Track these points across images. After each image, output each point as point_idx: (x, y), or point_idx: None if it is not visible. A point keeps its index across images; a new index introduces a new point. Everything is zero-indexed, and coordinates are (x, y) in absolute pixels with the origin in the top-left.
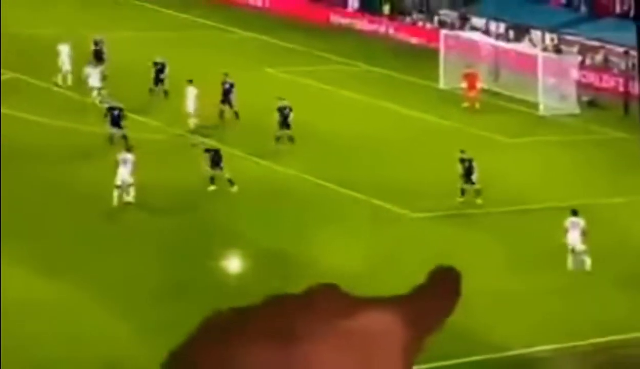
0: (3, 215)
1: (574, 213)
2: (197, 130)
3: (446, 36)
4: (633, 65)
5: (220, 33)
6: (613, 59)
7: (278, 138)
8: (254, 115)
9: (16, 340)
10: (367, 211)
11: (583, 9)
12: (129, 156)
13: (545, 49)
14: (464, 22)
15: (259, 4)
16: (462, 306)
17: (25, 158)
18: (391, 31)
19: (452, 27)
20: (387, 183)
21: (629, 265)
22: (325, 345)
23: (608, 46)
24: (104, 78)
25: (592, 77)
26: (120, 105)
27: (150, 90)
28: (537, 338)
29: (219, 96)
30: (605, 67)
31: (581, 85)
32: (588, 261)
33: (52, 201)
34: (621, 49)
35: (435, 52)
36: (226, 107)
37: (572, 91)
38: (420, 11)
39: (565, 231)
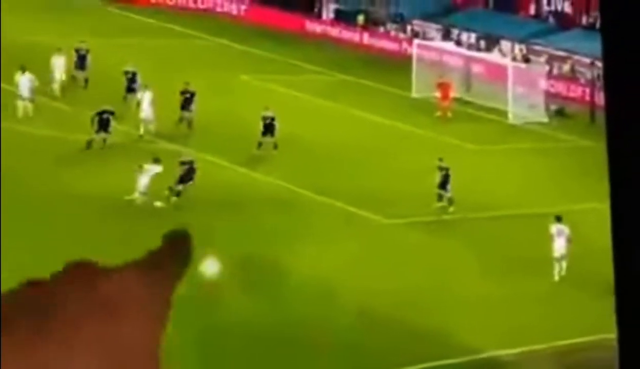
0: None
1: (558, 219)
2: (164, 136)
3: (419, 46)
4: (599, 75)
5: (194, 41)
6: (580, 69)
7: (260, 145)
8: (228, 122)
9: None
10: (341, 218)
11: (551, 20)
12: (156, 168)
13: (514, 59)
14: (436, 32)
15: (234, 12)
16: (436, 310)
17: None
18: (365, 40)
19: (424, 37)
20: (361, 191)
21: (597, 269)
22: (79, 315)
23: (575, 57)
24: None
25: (560, 87)
26: (112, 108)
27: (124, 98)
28: (508, 341)
29: (187, 103)
30: (572, 76)
31: (549, 95)
32: (564, 266)
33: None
34: (588, 60)
35: (408, 62)
36: (186, 114)
37: (540, 100)
38: (394, 21)
39: (551, 238)
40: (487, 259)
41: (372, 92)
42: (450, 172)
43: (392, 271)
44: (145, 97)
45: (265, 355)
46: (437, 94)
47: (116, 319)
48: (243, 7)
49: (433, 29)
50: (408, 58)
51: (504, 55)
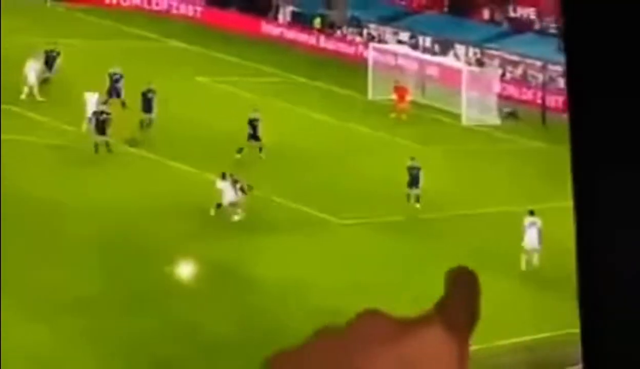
0: None
1: (531, 213)
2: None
3: (375, 49)
4: (550, 78)
5: (150, 43)
6: (532, 72)
7: (241, 150)
8: (184, 124)
9: None
10: (299, 220)
11: (505, 24)
12: (226, 185)
13: (468, 63)
14: (392, 36)
15: (190, 14)
16: (404, 308)
17: None
18: (322, 43)
19: (380, 40)
20: (318, 192)
21: (550, 268)
22: None
23: (527, 60)
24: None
25: (512, 90)
26: (108, 110)
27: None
28: (475, 337)
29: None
30: (524, 80)
31: (502, 97)
32: (536, 259)
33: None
34: (539, 63)
35: (364, 65)
36: (147, 116)
37: (493, 103)
38: (351, 25)
39: (523, 231)
40: (448, 257)
41: (327, 95)
42: (422, 172)
43: (350, 271)
44: (89, 98)
45: (227, 360)
46: (394, 97)
47: None
48: (199, 9)
49: (389, 33)
50: (364, 61)
51: (459, 59)
